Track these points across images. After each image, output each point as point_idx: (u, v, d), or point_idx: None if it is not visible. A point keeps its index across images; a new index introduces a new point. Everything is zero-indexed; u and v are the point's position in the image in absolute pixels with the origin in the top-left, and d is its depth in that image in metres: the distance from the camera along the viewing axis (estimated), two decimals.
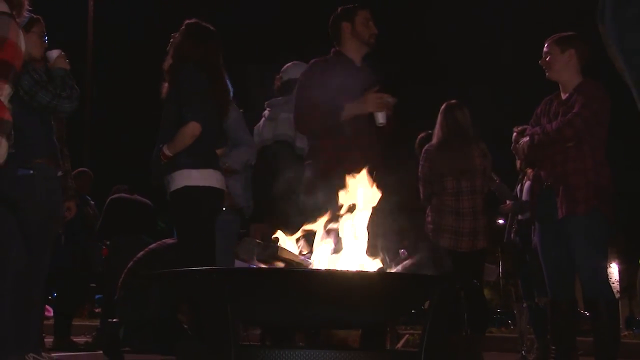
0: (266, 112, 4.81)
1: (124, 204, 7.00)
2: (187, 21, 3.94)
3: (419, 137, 5.58)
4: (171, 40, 3.93)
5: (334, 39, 3.93)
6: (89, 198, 7.01)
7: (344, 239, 2.72)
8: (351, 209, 2.78)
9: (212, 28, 3.94)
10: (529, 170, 4.21)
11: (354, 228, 2.73)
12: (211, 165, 3.76)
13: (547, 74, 4.03)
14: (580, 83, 3.93)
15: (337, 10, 3.94)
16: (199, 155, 3.70)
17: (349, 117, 3.67)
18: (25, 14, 3.19)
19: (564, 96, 3.98)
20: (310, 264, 2.65)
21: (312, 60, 3.90)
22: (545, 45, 4.02)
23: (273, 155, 4.47)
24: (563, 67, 3.96)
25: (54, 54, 3.71)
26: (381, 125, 3.70)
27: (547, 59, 4.01)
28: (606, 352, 3.73)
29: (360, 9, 3.89)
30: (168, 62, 3.87)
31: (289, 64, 4.81)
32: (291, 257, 2.58)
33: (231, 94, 3.96)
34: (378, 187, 2.87)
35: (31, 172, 3.55)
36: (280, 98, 4.71)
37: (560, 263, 3.93)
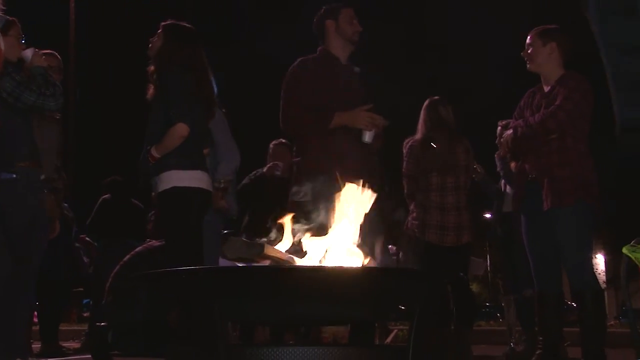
0: None
1: (114, 207, 6.96)
2: (163, 23, 3.91)
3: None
4: (150, 45, 3.90)
5: (319, 37, 3.94)
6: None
7: (332, 235, 2.72)
8: (340, 205, 2.78)
9: (191, 27, 3.92)
10: (513, 164, 4.23)
11: (343, 224, 2.73)
12: (199, 167, 3.76)
13: (528, 65, 4.06)
14: (562, 75, 3.96)
15: (321, 9, 3.95)
16: (187, 156, 3.70)
17: (337, 126, 3.68)
18: (0, 14, 3.17)
19: (546, 89, 4.01)
20: (297, 261, 2.65)
21: (299, 59, 3.89)
22: (528, 37, 4.05)
23: None
24: (545, 60, 3.99)
25: (29, 53, 3.67)
26: (366, 143, 3.71)
27: (529, 51, 4.03)
28: (592, 342, 3.77)
29: (344, 7, 3.90)
30: (152, 67, 3.85)
31: None
32: (278, 255, 2.58)
33: (216, 93, 3.96)
34: (366, 187, 2.87)
35: (14, 176, 3.53)
36: None
37: (546, 255, 3.95)
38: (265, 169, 5.56)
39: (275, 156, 5.69)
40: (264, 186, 5.51)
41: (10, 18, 3.66)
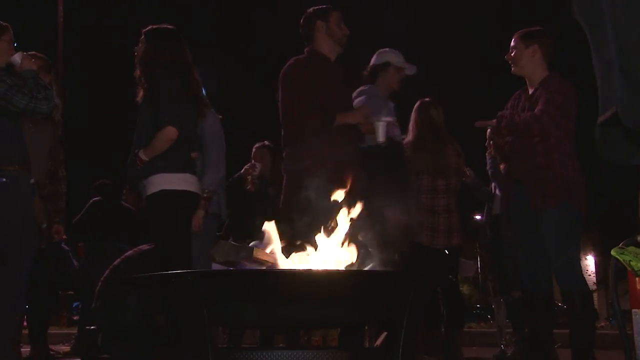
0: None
1: (105, 210, 6.92)
2: (144, 30, 3.91)
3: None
4: (135, 53, 3.90)
5: (307, 38, 3.93)
6: None
7: (324, 239, 2.71)
8: (334, 210, 2.78)
9: (171, 28, 3.91)
10: (502, 165, 4.24)
11: (336, 228, 2.73)
12: (187, 169, 3.75)
13: (512, 68, 4.08)
14: (545, 78, 3.98)
15: (309, 10, 3.95)
16: (176, 159, 3.69)
17: (340, 125, 3.69)
18: None
19: (530, 91, 4.03)
20: (285, 264, 2.64)
21: (293, 59, 3.89)
22: (512, 40, 4.07)
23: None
24: (527, 62, 4.01)
25: (18, 57, 3.65)
26: (381, 143, 3.71)
27: (513, 53, 4.06)
28: (581, 343, 3.77)
29: (333, 10, 3.92)
30: (138, 71, 3.84)
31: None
32: (266, 258, 2.58)
33: (203, 90, 3.95)
34: (358, 190, 2.87)
35: (4, 180, 3.51)
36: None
37: (534, 256, 3.96)
38: (242, 170, 5.58)
39: (255, 158, 5.72)
40: (242, 187, 5.52)
41: (4, 23, 3.65)
